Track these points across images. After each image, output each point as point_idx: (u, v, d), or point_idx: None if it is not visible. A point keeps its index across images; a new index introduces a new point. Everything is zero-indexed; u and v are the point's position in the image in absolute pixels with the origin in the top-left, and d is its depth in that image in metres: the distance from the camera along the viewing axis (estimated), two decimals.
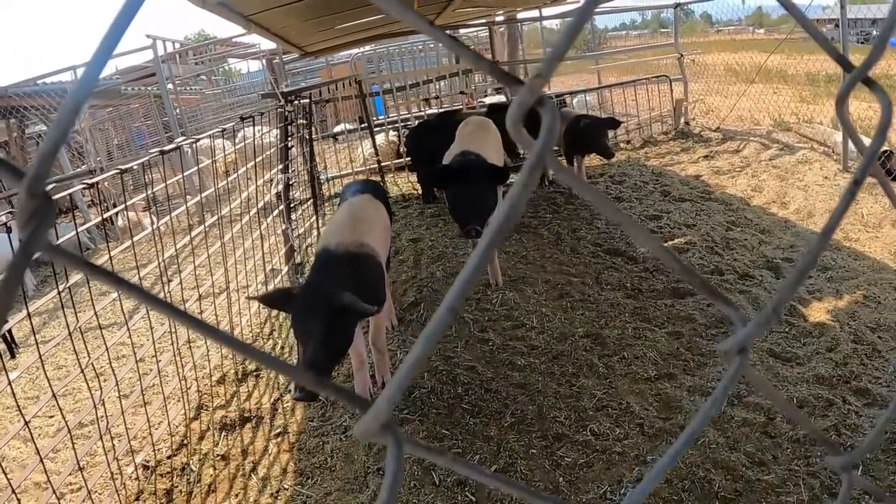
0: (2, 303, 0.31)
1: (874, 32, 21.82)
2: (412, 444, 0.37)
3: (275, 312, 4.85)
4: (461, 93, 10.39)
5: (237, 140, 5.64)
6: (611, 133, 6.95)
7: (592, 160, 7.62)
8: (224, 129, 4.35)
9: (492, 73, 0.39)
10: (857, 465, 2.68)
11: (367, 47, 10.90)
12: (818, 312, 3.94)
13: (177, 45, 14.00)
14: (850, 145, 6.90)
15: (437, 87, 10.50)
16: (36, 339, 2.48)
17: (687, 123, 9.75)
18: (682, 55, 9.96)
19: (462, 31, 11.08)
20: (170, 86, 9.90)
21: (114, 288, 0.36)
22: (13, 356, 5.02)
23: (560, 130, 6.06)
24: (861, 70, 0.49)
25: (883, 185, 0.53)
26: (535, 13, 10.91)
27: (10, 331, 4.96)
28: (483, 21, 9.93)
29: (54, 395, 2.44)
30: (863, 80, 0.49)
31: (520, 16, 9.56)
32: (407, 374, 0.36)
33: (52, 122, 0.33)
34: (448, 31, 10.61)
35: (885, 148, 6.62)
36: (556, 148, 7.37)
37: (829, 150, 7.60)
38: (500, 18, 10.22)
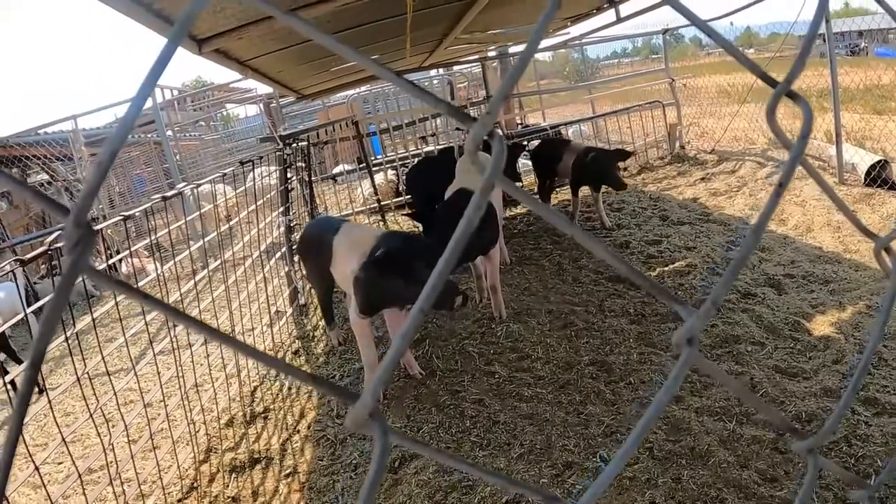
0: (55, 314, 0.34)
1: (862, 44, 22.10)
2: (397, 435, 0.40)
3: (281, 353, 4.87)
4: (457, 129, 10.50)
5: (238, 184, 5.71)
6: None
7: None
8: (224, 174, 4.41)
9: (449, 114, 0.44)
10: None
11: (363, 88, 11.05)
12: (822, 326, 3.94)
13: (175, 93, 14.23)
14: (845, 157, 6.97)
15: (434, 124, 10.62)
16: (45, 386, 2.50)
17: (682, 147, 9.84)
18: (673, 80, 10.10)
19: (456, 67, 11.25)
20: (169, 132, 10.04)
21: (155, 309, 0.39)
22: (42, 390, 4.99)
23: (568, 163, 6.15)
24: (784, 85, 0.52)
25: (814, 178, 0.56)
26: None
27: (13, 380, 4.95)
28: (476, 57, 10.09)
29: (64, 441, 2.46)
30: (787, 93, 0.53)
31: (511, 50, 9.71)
32: (387, 367, 0.40)
33: (94, 165, 0.37)
34: (441, 68, 10.78)
35: (880, 157, 6.67)
36: (566, 181, 7.43)
37: (825, 164, 7.66)
38: (492, 53, 10.37)
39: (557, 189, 8.12)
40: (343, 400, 0.39)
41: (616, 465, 0.46)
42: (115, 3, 2.09)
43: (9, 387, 2.46)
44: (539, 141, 8.17)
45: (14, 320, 3.09)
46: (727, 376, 0.51)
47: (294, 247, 5.69)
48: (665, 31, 10.45)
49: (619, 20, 7.50)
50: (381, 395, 3.85)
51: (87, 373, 2.68)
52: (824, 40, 7.09)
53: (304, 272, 4.99)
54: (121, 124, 0.38)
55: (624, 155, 6.52)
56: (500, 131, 10.05)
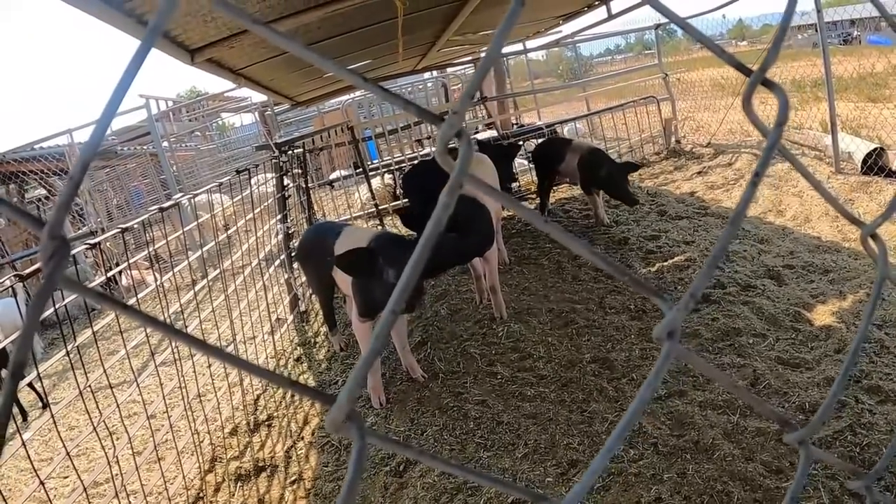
0: (30, 327, 0.34)
1: (855, 32, 22.14)
2: (375, 437, 0.40)
3: (283, 361, 4.87)
4: None
5: (235, 193, 5.72)
6: None
7: None
8: (220, 184, 4.41)
9: (418, 115, 0.44)
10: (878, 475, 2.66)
11: (357, 93, 11.07)
12: (823, 315, 3.94)
13: (170, 103, 14.22)
14: (841, 146, 6.96)
15: (429, 127, 10.63)
16: (48, 400, 2.50)
17: (678, 142, 9.84)
18: (666, 75, 10.10)
19: (449, 69, 11.27)
20: (165, 144, 10.04)
21: (140, 321, 0.40)
22: (25, 419, 5.01)
23: (571, 163, 6.14)
24: (758, 73, 0.53)
25: (792, 163, 0.56)
26: (519, 46, 11.10)
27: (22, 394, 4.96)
28: (469, 58, 10.10)
29: (68, 455, 2.46)
30: (763, 82, 0.53)
31: (505, 50, 9.72)
32: (362, 367, 0.40)
33: (66, 178, 0.37)
34: (435, 71, 10.80)
35: (875, 145, 6.68)
36: (566, 180, 7.41)
37: (821, 153, 7.66)
38: (484, 55, 10.37)
39: (555, 189, 8.12)
40: (320, 403, 0.39)
41: (600, 461, 0.46)
42: (85, 5, 2.09)
43: None
44: (541, 140, 8.15)
45: (15, 336, 3.09)
46: (714, 369, 0.51)
47: (293, 253, 5.70)
48: (657, 27, 10.46)
49: (611, 17, 7.52)
50: (385, 399, 3.86)
51: (90, 386, 2.68)
52: (817, 30, 7.09)
53: (305, 278, 4.99)
54: (92, 134, 0.38)
55: (633, 167, 6.46)
56: (474, 133, 10.10)
